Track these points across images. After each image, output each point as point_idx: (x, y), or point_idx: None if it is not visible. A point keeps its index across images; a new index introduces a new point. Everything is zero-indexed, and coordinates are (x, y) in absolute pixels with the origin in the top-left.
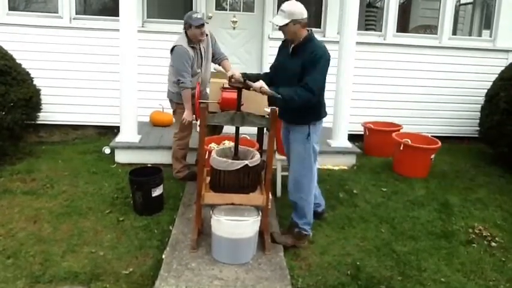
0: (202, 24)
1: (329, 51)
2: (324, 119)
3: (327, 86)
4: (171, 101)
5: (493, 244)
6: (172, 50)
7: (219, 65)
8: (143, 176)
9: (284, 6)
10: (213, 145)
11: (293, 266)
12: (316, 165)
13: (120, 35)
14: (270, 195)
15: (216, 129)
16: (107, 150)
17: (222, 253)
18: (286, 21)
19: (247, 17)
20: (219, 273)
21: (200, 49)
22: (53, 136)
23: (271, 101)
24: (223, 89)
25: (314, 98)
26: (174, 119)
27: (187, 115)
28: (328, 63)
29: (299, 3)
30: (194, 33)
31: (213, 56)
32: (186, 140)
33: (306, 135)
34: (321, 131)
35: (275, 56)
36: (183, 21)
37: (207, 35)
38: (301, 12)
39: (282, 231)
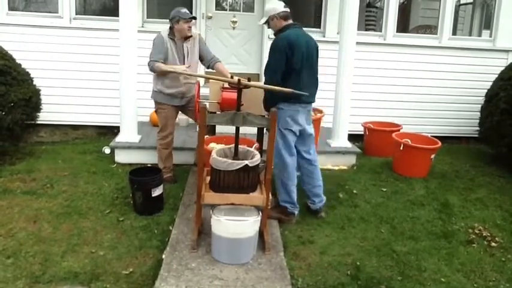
0: (191, 19)
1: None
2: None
3: (327, 86)
4: (154, 101)
5: (493, 244)
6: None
7: (213, 68)
8: (143, 176)
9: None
10: (212, 145)
11: (293, 266)
12: (289, 156)
13: (120, 35)
14: (270, 195)
15: (212, 130)
16: (107, 150)
17: (222, 253)
18: (264, 19)
19: (247, 17)
20: (219, 273)
21: (183, 46)
22: (53, 136)
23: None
24: (223, 89)
25: (272, 82)
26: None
27: (178, 68)
28: (280, 51)
29: (273, 1)
30: (182, 28)
31: (203, 59)
32: (167, 139)
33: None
34: (296, 118)
35: None
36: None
37: (191, 36)
38: (274, 7)
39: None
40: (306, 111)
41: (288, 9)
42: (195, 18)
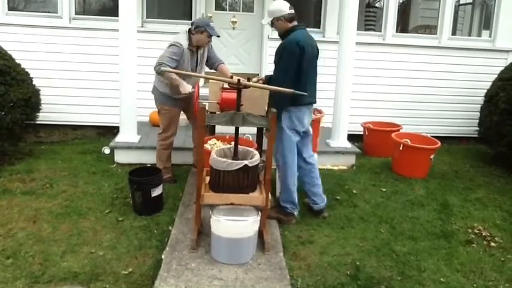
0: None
1: (312, 45)
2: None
3: (327, 86)
4: (156, 100)
5: (493, 244)
6: (170, 44)
7: (216, 69)
8: (143, 176)
9: (269, 6)
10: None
11: (292, 266)
12: (292, 156)
13: (119, 35)
14: (270, 195)
15: (212, 130)
16: (107, 151)
17: (222, 253)
18: (269, 20)
19: (246, 17)
20: (218, 273)
21: (197, 54)
22: (53, 136)
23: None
24: (223, 89)
25: (284, 85)
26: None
27: (184, 88)
28: (292, 54)
29: (279, 1)
30: (202, 40)
31: (209, 61)
32: (169, 140)
33: (279, 119)
34: (302, 119)
35: (274, 56)
36: (185, 21)
37: None
38: (280, 9)
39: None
40: (309, 112)
41: (293, 11)
42: (219, 36)
